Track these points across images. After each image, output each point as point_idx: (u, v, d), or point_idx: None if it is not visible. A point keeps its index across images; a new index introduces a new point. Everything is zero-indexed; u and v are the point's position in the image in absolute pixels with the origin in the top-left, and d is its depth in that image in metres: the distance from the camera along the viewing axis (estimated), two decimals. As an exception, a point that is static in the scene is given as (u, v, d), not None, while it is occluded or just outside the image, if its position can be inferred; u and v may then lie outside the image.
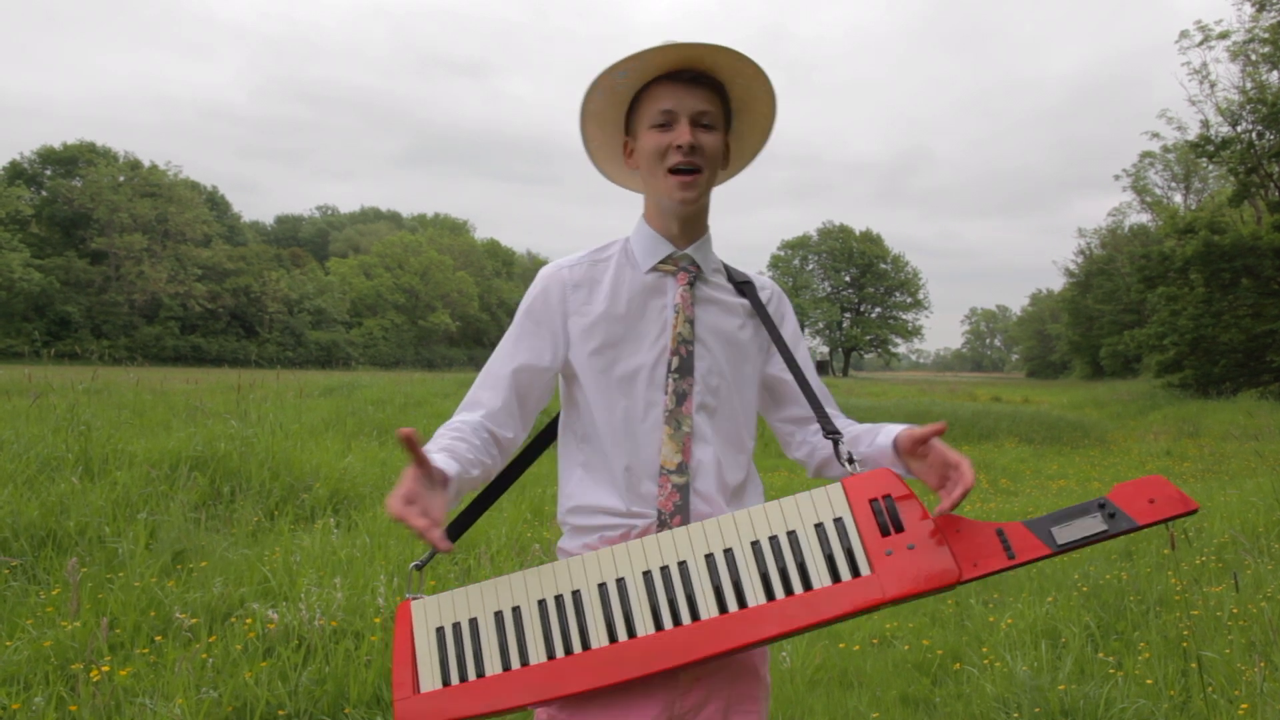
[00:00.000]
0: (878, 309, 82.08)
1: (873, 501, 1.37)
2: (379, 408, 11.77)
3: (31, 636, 3.42)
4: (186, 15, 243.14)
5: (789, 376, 1.59)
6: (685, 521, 1.45)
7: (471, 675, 1.35)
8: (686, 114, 1.45)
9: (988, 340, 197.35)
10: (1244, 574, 4.61)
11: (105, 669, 3.14)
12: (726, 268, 1.61)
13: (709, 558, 1.37)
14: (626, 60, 1.43)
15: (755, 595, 1.33)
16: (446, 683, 1.35)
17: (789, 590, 1.32)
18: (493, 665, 1.36)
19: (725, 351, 1.53)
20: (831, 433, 1.53)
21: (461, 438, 1.45)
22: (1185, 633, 3.86)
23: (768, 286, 1.63)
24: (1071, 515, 1.30)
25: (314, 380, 16.90)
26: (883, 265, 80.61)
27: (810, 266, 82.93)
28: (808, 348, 1.65)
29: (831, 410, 1.58)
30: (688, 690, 1.41)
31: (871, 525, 1.35)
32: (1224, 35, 25.59)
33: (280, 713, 3.10)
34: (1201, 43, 26.25)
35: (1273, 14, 23.93)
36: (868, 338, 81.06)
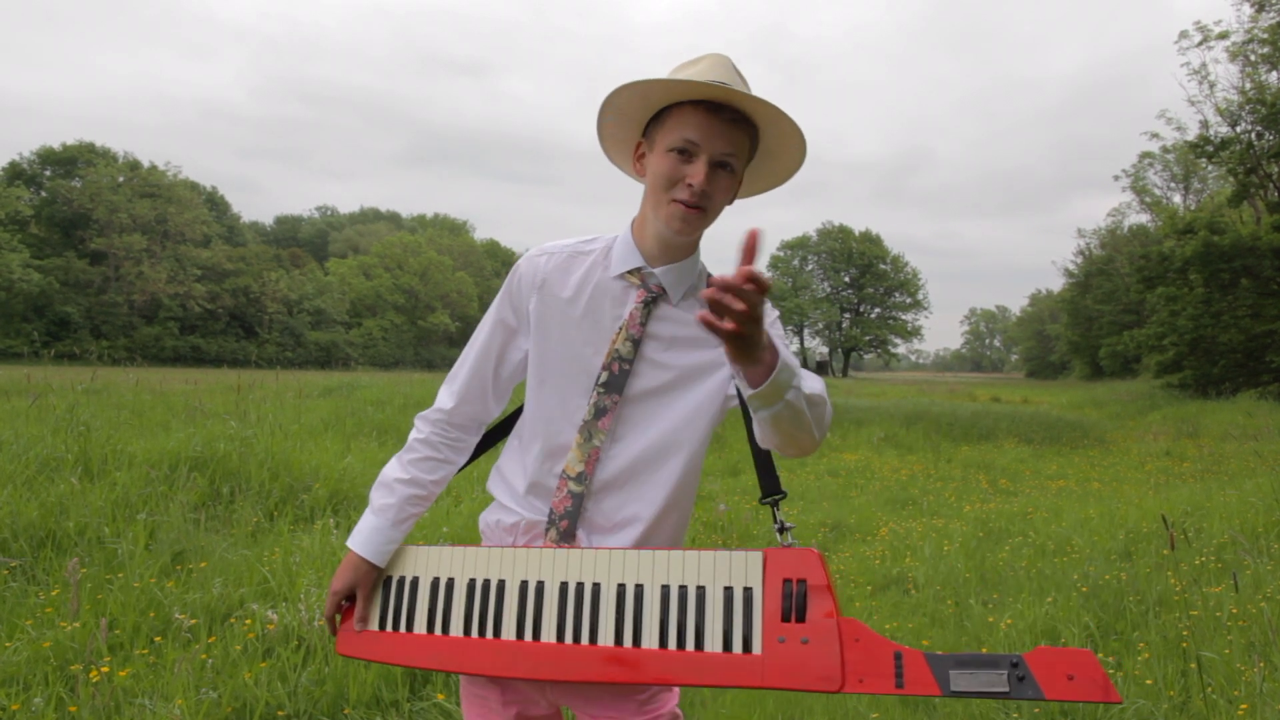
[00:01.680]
0: (877, 309, 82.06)
1: (786, 581, 1.35)
2: (378, 408, 11.75)
3: (31, 637, 3.41)
4: (186, 15, 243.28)
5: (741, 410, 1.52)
6: (573, 528, 1.48)
7: (401, 628, 1.51)
8: (709, 153, 1.41)
9: (987, 340, 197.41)
10: (1243, 574, 4.61)
11: (105, 670, 3.14)
12: None
13: (621, 588, 1.41)
14: (670, 81, 1.40)
15: (650, 638, 1.37)
16: (382, 627, 1.54)
17: (681, 644, 1.35)
18: (419, 625, 1.50)
19: (672, 379, 1.51)
20: (770, 494, 1.50)
21: (425, 456, 1.59)
22: (1185, 633, 3.86)
23: None
24: (978, 663, 1.23)
25: (313, 381, 16.88)
26: (882, 265, 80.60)
27: (810, 267, 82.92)
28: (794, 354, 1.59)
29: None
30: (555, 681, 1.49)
31: (776, 606, 1.34)
32: (1223, 36, 25.63)
33: (280, 713, 3.10)
34: (1201, 43, 26.29)
35: (1272, 14, 23.95)
36: (867, 338, 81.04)
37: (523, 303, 1.56)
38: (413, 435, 1.61)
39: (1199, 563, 5.04)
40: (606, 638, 1.38)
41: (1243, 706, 3.05)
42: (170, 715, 2.90)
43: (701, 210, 1.44)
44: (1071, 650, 1.22)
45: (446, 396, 1.61)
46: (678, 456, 1.52)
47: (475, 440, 1.64)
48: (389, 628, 1.52)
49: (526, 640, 1.42)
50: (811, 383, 1.37)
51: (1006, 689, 1.22)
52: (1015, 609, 4.53)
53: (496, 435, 1.68)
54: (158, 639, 3.56)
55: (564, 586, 1.43)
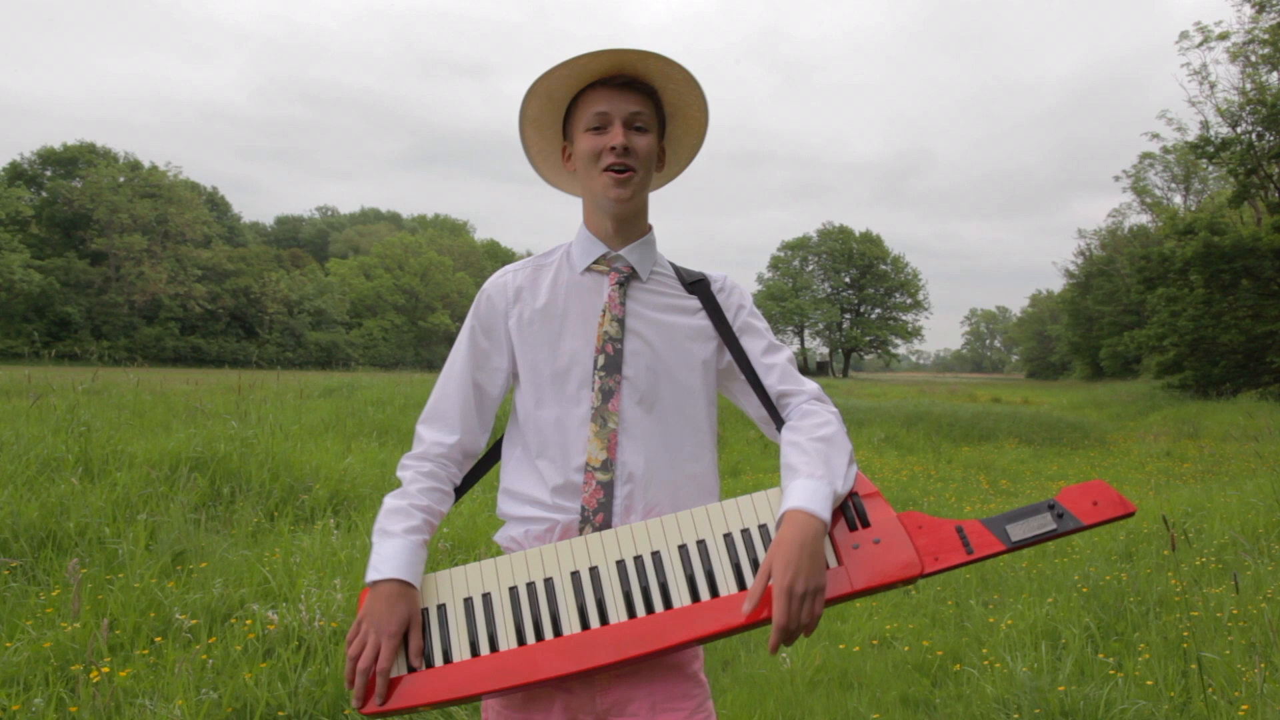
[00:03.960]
0: (877, 310, 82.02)
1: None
2: (379, 409, 11.75)
3: (31, 638, 3.41)
4: (187, 17, 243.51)
5: (739, 370, 1.59)
6: (608, 518, 1.47)
7: (438, 662, 1.36)
8: (620, 116, 1.49)
9: (988, 341, 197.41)
10: (1244, 575, 4.61)
11: (105, 670, 3.14)
12: (678, 270, 1.63)
13: (683, 548, 1.41)
14: (560, 66, 1.48)
15: (727, 585, 1.37)
16: (411, 669, 1.36)
17: None
18: (460, 652, 1.36)
19: (665, 348, 1.55)
20: (781, 422, 1.56)
21: (432, 488, 1.53)
22: (1185, 634, 3.86)
23: (719, 280, 1.64)
24: (1024, 514, 1.40)
25: (314, 381, 16.87)
26: (883, 266, 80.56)
27: (810, 267, 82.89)
28: (765, 324, 1.64)
29: (790, 386, 1.56)
30: (606, 688, 1.44)
31: (840, 521, 1.40)
32: (1224, 36, 25.62)
33: (280, 714, 3.10)
34: (1201, 44, 26.27)
35: (1272, 15, 23.94)
36: (867, 339, 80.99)
37: (498, 321, 1.57)
38: (413, 472, 1.53)
39: (1199, 563, 5.04)
40: (682, 599, 1.36)
41: (1243, 707, 3.05)
42: (170, 716, 2.90)
43: (631, 170, 1.50)
44: (1088, 484, 1.43)
45: (443, 433, 1.56)
46: (693, 421, 1.55)
47: (462, 476, 1.60)
48: (420, 666, 1.35)
49: (595, 628, 1.35)
50: (837, 461, 1.45)
51: (1054, 526, 1.39)
52: (1016, 610, 4.53)
53: (483, 468, 1.64)
54: (158, 639, 3.56)
55: (621, 564, 1.40)
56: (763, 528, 1.41)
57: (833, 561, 1.37)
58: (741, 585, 1.36)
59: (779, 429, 1.55)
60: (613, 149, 1.48)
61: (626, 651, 1.33)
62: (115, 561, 4.41)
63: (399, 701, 1.33)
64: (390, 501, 1.50)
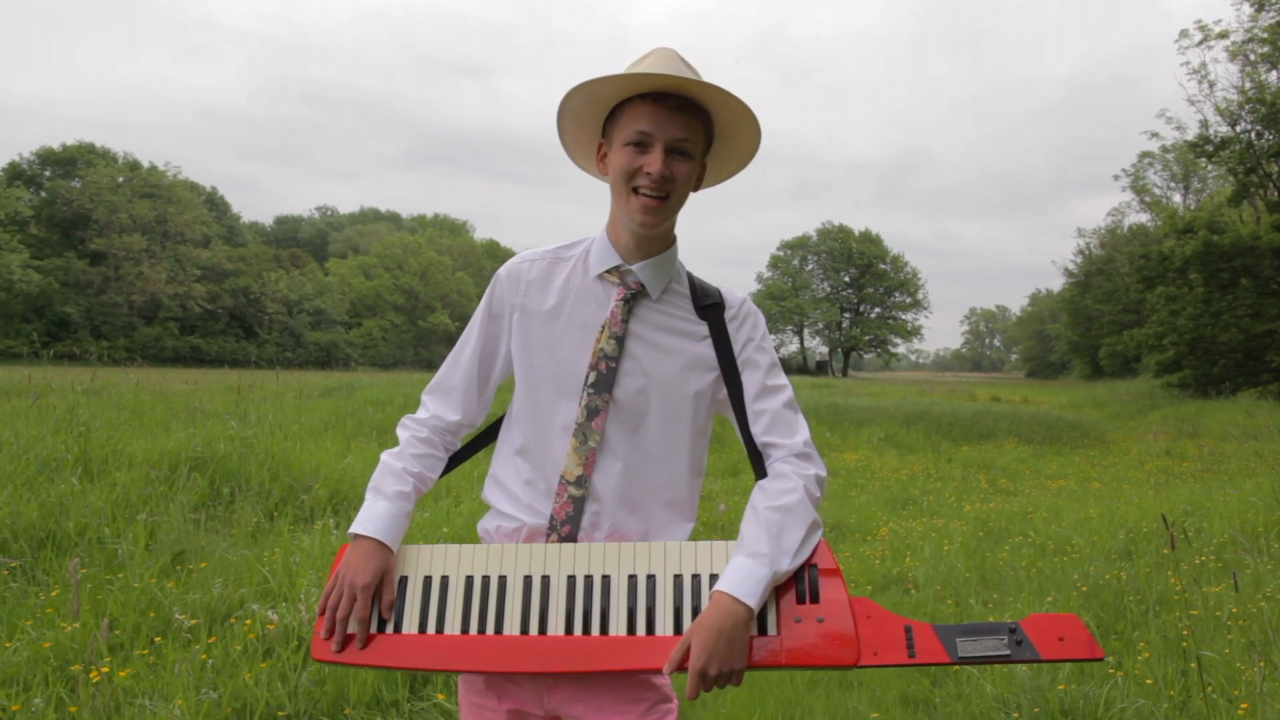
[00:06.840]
0: (877, 309, 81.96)
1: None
2: (378, 408, 11.75)
3: (31, 637, 3.41)
4: (186, 18, 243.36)
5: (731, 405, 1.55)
6: (574, 531, 1.47)
7: (389, 630, 1.42)
8: (663, 140, 1.43)
9: (987, 340, 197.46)
10: (1243, 574, 4.61)
11: (105, 670, 3.14)
12: (696, 287, 1.57)
13: (632, 578, 1.41)
14: (616, 77, 1.43)
15: (665, 626, 1.38)
16: (382, 623, 1.43)
17: None
18: (410, 625, 1.42)
19: (660, 374, 1.51)
20: (761, 476, 1.51)
21: (427, 454, 1.57)
22: (1185, 632, 3.86)
23: (735, 305, 1.56)
24: (980, 631, 1.33)
25: (313, 381, 16.88)
26: (882, 265, 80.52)
27: (810, 267, 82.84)
28: (772, 360, 1.57)
29: (774, 438, 1.50)
30: (552, 688, 1.46)
31: (790, 589, 1.39)
32: (1223, 35, 25.66)
33: (280, 713, 3.10)
34: (1200, 42, 26.31)
35: (1271, 14, 23.96)
36: (867, 338, 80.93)
37: (504, 311, 1.58)
38: (410, 434, 1.58)
39: (1199, 562, 5.04)
40: (619, 627, 1.37)
41: (1243, 706, 3.06)
42: (170, 715, 2.90)
43: (664, 198, 1.45)
44: (1060, 615, 1.33)
45: (447, 408, 1.60)
46: (676, 450, 1.52)
47: (458, 447, 1.65)
48: (371, 630, 1.43)
49: (533, 635, 1.38)
50: (790, 535, 1.39)
51: (1008, 653, 1.31)
52: (1015, 609, 4.53)
53: (480, 443, 1.67)
54: (158, 639, 3.56)
55: (571, 580, 1.41)
56: (714, 577, 1.41)
57: (771, 629, 1.35)
58: (678, 629, 1.37)
59: (758, 475, 1.52)
60: (648, 174, 1.43)
61: (552, 666, 1.36)
62: (115, 561, 4.41)
63: (344, 657, 1.41)
64: (387, 460, 1.55)
